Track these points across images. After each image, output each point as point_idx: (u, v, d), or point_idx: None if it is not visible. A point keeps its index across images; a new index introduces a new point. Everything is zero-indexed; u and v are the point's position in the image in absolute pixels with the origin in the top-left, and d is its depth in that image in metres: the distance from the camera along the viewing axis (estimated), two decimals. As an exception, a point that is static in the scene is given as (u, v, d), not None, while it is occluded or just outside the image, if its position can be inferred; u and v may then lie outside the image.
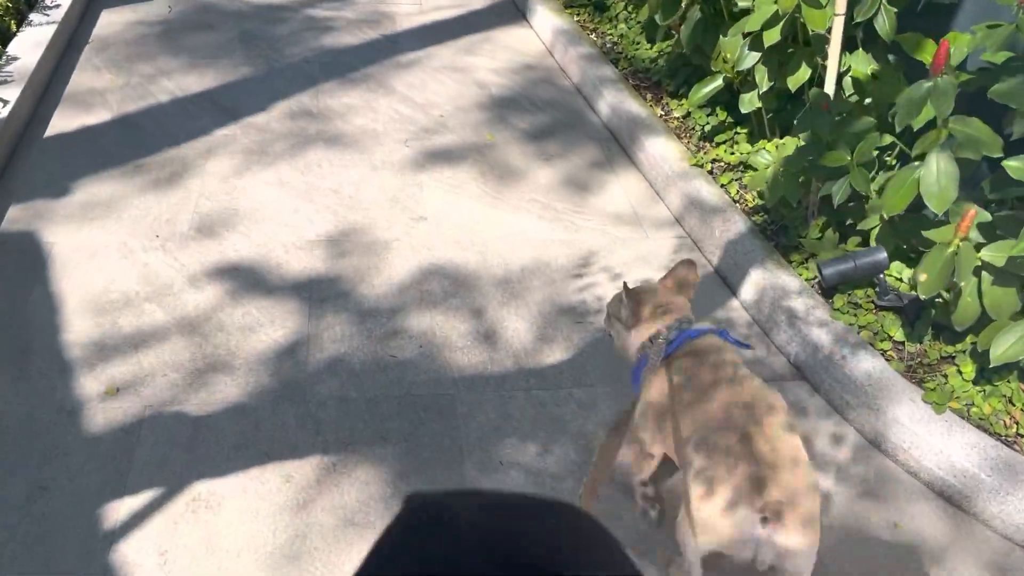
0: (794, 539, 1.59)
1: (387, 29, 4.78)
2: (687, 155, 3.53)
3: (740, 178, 3.40)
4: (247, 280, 2.83)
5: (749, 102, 3.28)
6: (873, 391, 2.45)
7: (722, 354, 1.93)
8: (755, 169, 3.41)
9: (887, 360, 2.59)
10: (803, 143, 2.95)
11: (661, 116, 3.88)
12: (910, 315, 2.71)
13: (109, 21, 4.56)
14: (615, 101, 3.94)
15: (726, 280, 3.05)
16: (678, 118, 3.87)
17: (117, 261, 2.86)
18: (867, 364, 2.52)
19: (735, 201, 3.29)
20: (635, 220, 3.33)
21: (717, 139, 3.61)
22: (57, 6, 4.30)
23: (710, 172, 3.46)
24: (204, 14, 4.74)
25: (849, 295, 2.82)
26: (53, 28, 4.09)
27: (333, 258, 2.96)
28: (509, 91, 4.21)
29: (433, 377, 2.52)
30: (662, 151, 3.56)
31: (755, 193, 3.27)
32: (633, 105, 3.88)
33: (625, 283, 2.07)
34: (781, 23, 2.91)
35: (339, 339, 2.62)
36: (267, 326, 2.64)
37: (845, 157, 2.73)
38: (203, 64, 4.19)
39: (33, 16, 4.18)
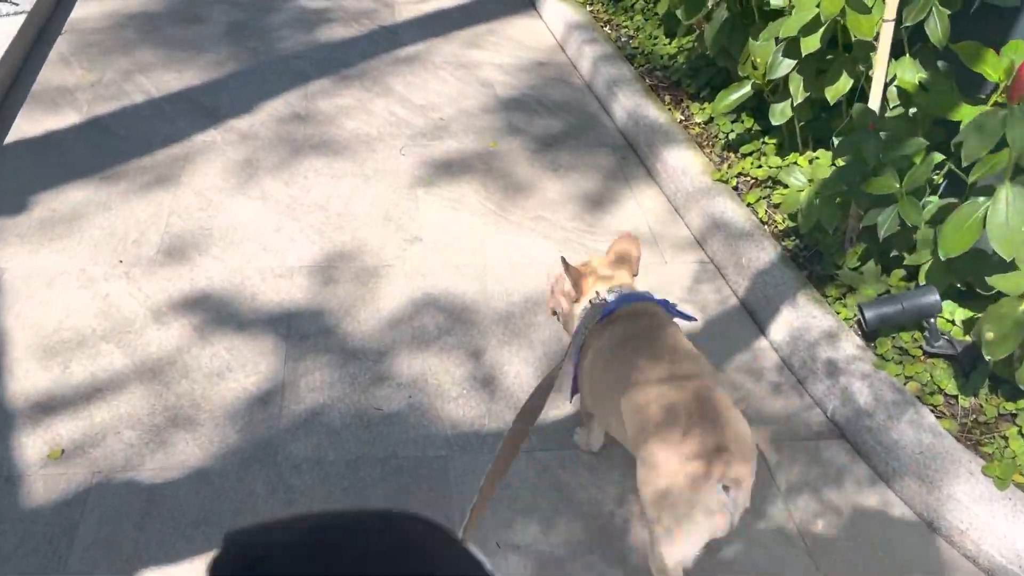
0: (744, 492, 1.67)
1: (386, 19, 4.44)
2: (710, 167, 3.21)
3: (769, 196, 3.08)
4: (218, 314, 2.53)
5: (781, 113, 2.95)
6: (924, 459, 2.15)
7: (657, 318, 1.97)
8: (785, 185, 3.08)
9: (938, 417, 2.28)
10: (843, 163, 2.63)
11: (681, 122, 3.55)
12: (964, 364, 2.40)
13: (86, 11, 4.24)
14: (631, 104, 3.61)
15: (753, 315, 2.74)
16: (700, 124, 3.54)
17: (75, 291, 2.57)
18: (917, 425, 2.21)
19: (763, 223, 2.97)
20: (652, 242, 3.02)
21: (743, 149, 3.28)
22: (29, -7, 3.99)
23: (735, 188, 3.13)
24: (191, 2, 4.41)
25: (894, 338, 2.51)
26: (22, 18, 3.77)
27: (316, 287, 2.66)
28: (516, 91, 3.87)
29: (423, 434, 2.22)
30: (682, 163, 3.23)
31: (786, 214, 2.95)
32: (651, 109, 3.55)
33: (563, 258, 2.08)
34: (822, 29, 2.58)
35: (318, 387, 2.33)
36: (237, 371, 2.35)
37: (893, 184, 2.41)
38: (185, 59, 3.87)
39: (0, 5, 3.87)
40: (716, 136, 3.45)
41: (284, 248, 2.81)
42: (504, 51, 4.23)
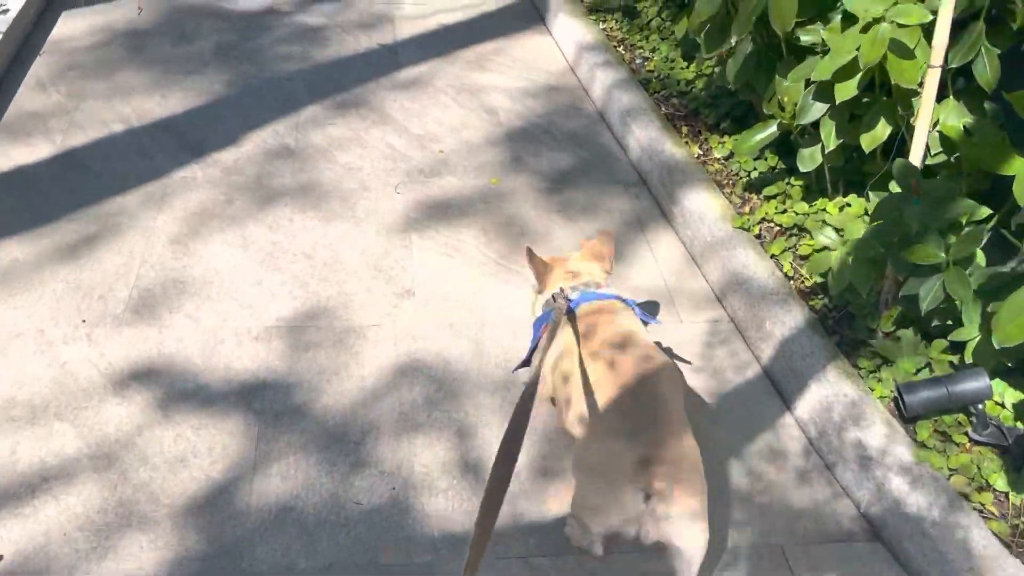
0: (677, 511, 1.61)
1: (386, 36, 4.19)
2: (730, 212, 2.94)
3: (795, 247, 2.81)
4: (186, 385, 2.29)
5: (810, 159, 2.69)
6: (972, 571, 1.89)
7: (618, 316, 1.97)
8: (810, 234, 2.82)
9: (986, 519, 2.02)
10: (880, 220, 2.36)
11: (699, 157, 3.28)
12: (1016, 456, 2.14)
13: (68, 26, 4.00)
14: (646, 138, 3.34)
15: (777, 386, 2.48)
16: (720, 160, 3.28)
17: (30, 357, 2.34)
18: (963, 528, 1.95)
19: (788, 277, 2.71)
20: (667, 297, 2.76)
21: (766, 191, 3.02)
22: (6, 10, 3.75)
23: (758, 236, 2.87)
24: (179, 19, 4.17)
25: (935, 421, 2.24)
26: (-2, 38, 3.55)
27: (295, 352, 2.42)
28: (522, 119, 3.62)
29: (407, 536, 1.98)
30: (701, 206, 2.97)
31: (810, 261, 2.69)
32: (667, 144, 3.29)
33: (528, 248, 2.13)
34: (859, 75, 2.31)
35: (291, 475, 2.09)
36: (203, 456, 2.11)
37: (938, 254, 2.14)
38: (169, 83, 3.63)
39: (-24, 23, 3.65)
40: (737, 174, 3.18)
41: (263, 304, 2.57)
42: (511, 73, 3.97)
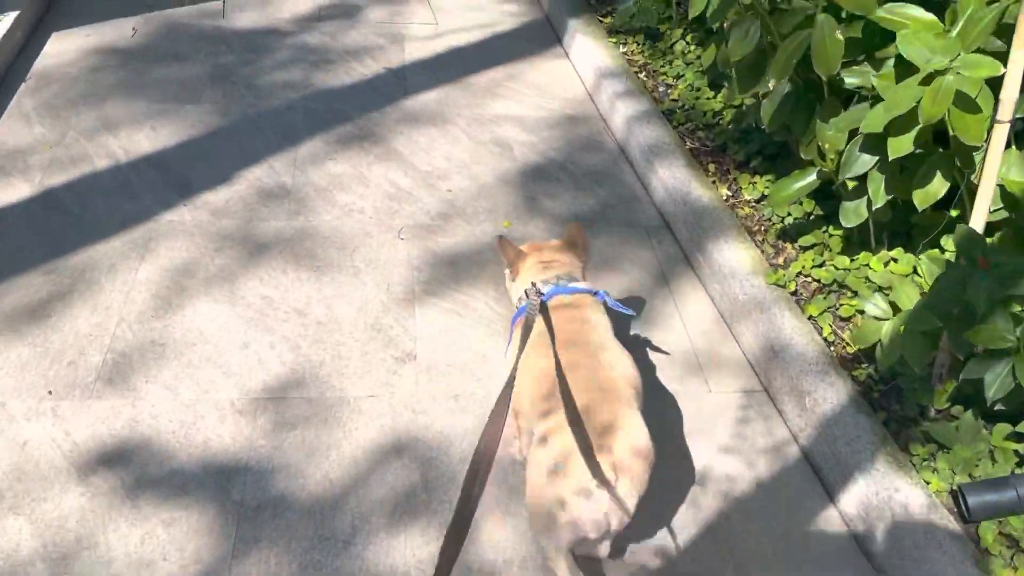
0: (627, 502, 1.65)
1: (393, 60, 3.95)
2: (763, 265, 2.69)
3: (835, 306, 2.55)
4: (159, 469, 2.06)
5: (855, 214, 2.43)
6: None
7: (585, 311, 1.96)
8: (851, 291, 2.57)
9: (1064, 644, 1.76)
10: (936, 292, 2.10)
11: (728, 199, 3.03)
12: (1096, 569, 1.87)
13: (57, 49, 3.79)
14: (671, 178, 3.09)
15: (818, 472, 2.22)
16: (750, 202, 3.02)
17: (-11, 434, 2.12)
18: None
19: (829, 342, 2.45)
20: (695, 363, 2.51)
21: (802, 240, 2.76)
22: (-9, 34, 3.55)
23: (794, 293, 2.61)
24: (175, 40, 3.95)
25: (1001, 523, 1.98)
26: (-21, 65, 3.34)
27: (281, 430, 2.18)
28: (538, 154, 3.37)
29: (399, 660, 1.74)
30: (731, 258, 2.71)
31: (856, 328, 2.43)
32: (693, 185, 3.03)
33: (500, 236, 2.15)
34: (916, 130, 2.05)
35: (272, 582, 1.85)
36: (172, 558, 1.88)
37: (1007, 338, 1.88)
38: (161, 112, 3.41)
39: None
40: (770, 219, 2.93)
41: (249, 371, 2.33)
42: (526, 101, 3.72)
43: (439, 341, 2.48)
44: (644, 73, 3.82)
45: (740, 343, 2.59)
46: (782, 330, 2.46)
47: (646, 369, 2.47)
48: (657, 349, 2.53)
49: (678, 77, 3.75)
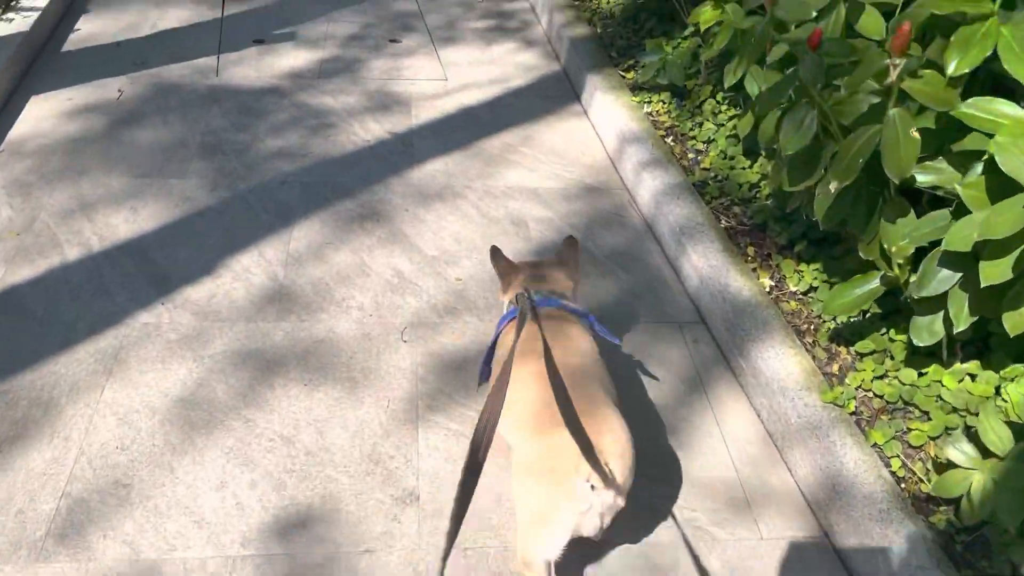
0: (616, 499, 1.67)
1: (399, 122, 3.65)
2: (817, 377, 2.35)
3: (904, 431, 2.21)
4: (113, 658, 1.74)
5: (929, 332, 2.09)
6: None
7: (565, 321, 1.96)
8: (924, 413, 2.22)
9: None
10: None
11: (771, 291, 2.69)
12: None
13: (35, 114, 3.50)
14: (706, 265, 2.76)
15: (895, 648, 1.88)
16: (796, 294, 2.68)
17: (-86, 612, 1.80)
18: None
19: (898, 479, 2.11)
20: (741, 498, 2.17)
21: (859, 345, 2.42)
22: (-39, 102, 3.27)
23: (853, 413, 2.27)
24: (163, 102, 3.66)
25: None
26: (-55, 140, 3.05)
27: (262, 599, 1.86)
28: (556, 231, 3.05)
29: None
30: (778, 366, 2.38)
31: (936, 476, 2.08)
32: (731, 273, 2.70)
33: (493, 247, 2.15)
34: (1017, 254, 1.71)
35: None
36: None
37: None
38: (143, 189, 3.11)
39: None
40: (819, 316, 2.59)
41: (228, 518, 2.01)
42: (542, 169, 3.41)
43: (445, 476, 2.15)
44: (672, 137, 3.50)
45: (794, 473, 2.25)
46: (844, 463, 2.11)
47: (692, 501, 2.13)
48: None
49: (708, 142, 3.42)
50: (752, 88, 2.83)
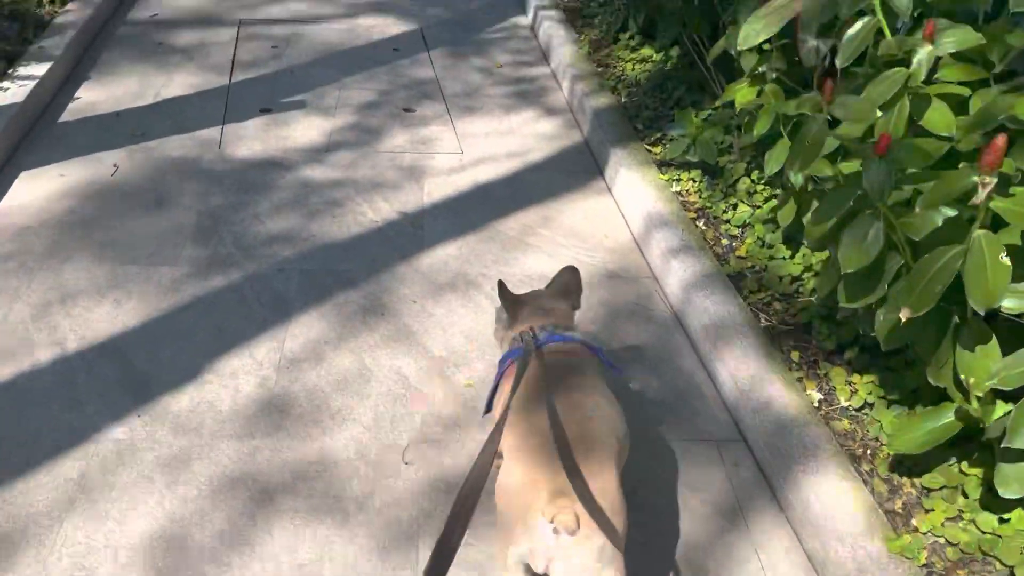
0: (578, 550, 1.52)
1: (410, 201, 3.41)
2: (879, 517, 2.03)
3: (985, 591, 1.89)
4: None
5: (1018, 482, 1.78)
6: None
7: (581, 360, 1.88)
8: (1010, 569, 1.90)
9: None
10: None
11: (820, 404, 2.39)
12: None
13: (23, 193, 3.29)
14: (744, 373, 2.47)
15: None
16: (849, 410, 2.38)
17: None
18: None
19: (982, 651, 1.78)
20: (792, 668, 1.85)
21: (927, 479, 2.11)
22: (-58, 182, 3.06)
23: (924, 566, 1.95)
24: (160, 178, 3.45)
25: None
26: (-80, 224, 2.84)
27: None
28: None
29: None
30: (833, 503, 2.07)
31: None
32: (774, 386, 2.41)
33: (500, 281, 2.04)
34: None
35: None
36: None
37: None
38: (128, 279, 2.87)
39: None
40: (877, 439, 2.28)
41: None
42: (562, 253, 3.14)
43: (448, 637, 1.85)
44: (703, 220, 3.23)
45: (855, 639, 1.93)
46: (916, 631, 1.79)
47: None
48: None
49: (744, 226, 3.15)
50: (796, 178, 2.56)
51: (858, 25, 1.97)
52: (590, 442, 1.64)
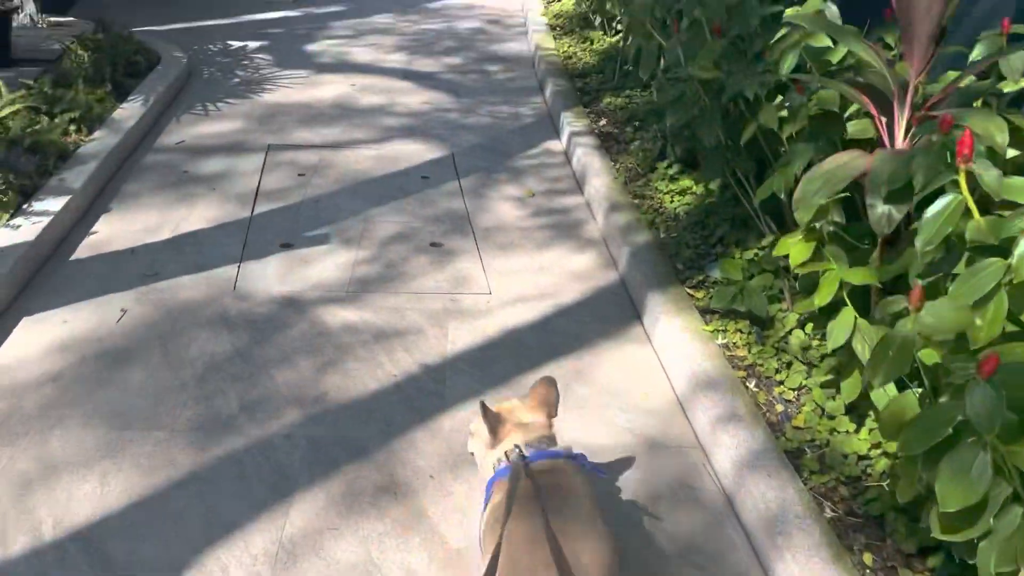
0: None
1: (432, 350, 3.15)
2: None
3: None
4: None
5: None
6: None
7: (571, 478, 1.93)
8: None
9: None
10: None
11: (901, 624, 2.02)
12: None
13: (23, 341, 3.10)
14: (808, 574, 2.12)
15: None
16: (935, 632, 2.01)
17: None
18: None
19: None
20: None
21: None
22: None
23: None
24: (168, 324, 3.24)
25: None
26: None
27: None
28: (611, 506, 2.45)
29: None
30: None
31: None
32: (846, 602, 2.05)
33: (482, 402, 2.05)
34: None
35: None
36: None
37: None
38: (119, 448, 2.61)
39: None
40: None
41: None
42: (594, 415, 2.85)
43: None
44: (754, 380, 2.91)
45: None
46: None
47: None
48: None
49: (800, 390, 2.83)
50: (863, 351, 2.26)
51: (941, 203, 1.71)
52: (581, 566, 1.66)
